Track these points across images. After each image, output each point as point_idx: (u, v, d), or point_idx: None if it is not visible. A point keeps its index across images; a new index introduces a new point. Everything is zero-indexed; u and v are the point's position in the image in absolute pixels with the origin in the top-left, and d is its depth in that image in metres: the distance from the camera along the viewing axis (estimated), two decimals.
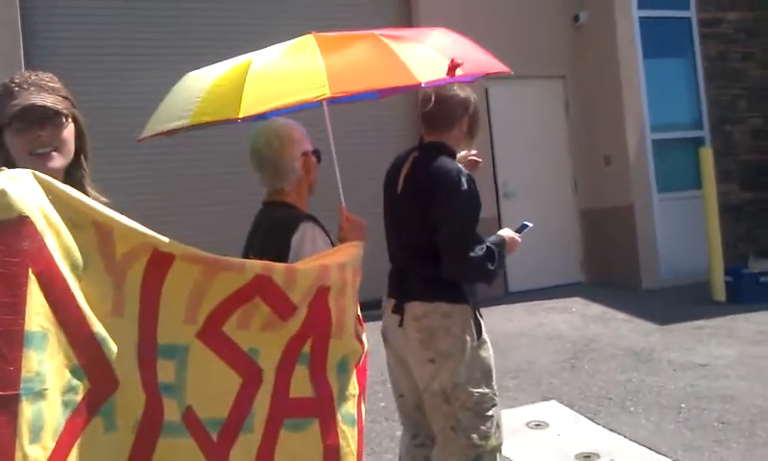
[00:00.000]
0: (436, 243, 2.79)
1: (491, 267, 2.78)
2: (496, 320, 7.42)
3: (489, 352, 2.92)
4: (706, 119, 9.47)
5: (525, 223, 3.14)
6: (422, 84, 2.57)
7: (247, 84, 2.42)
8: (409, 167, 2.97)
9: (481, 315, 2.92)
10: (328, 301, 2.13)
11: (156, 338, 1.75)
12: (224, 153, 7.38)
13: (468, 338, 2.83)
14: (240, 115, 2.34)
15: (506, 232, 3.01)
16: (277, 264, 2.03)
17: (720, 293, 8.01)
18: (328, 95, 2.39)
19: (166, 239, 1.77)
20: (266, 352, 1.99)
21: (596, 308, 7.89)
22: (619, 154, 8.96)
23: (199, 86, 2.65)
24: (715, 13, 9.56)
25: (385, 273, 3.13)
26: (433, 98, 2.91)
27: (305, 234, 2.46)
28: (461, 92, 2.97)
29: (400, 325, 2.88)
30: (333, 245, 2.51)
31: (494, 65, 2.91)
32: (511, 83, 8.96)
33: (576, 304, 8.12)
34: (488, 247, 2.80)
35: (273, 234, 2.51)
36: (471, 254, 2.73)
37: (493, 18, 8.79)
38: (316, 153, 2.70)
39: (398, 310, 2.91)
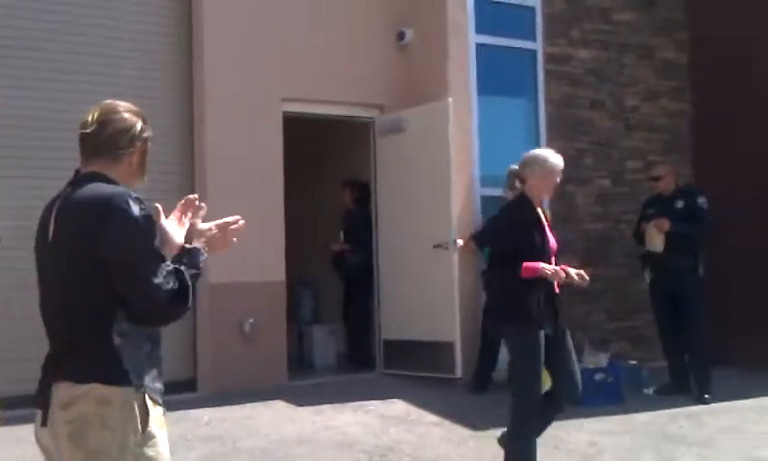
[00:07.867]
0: (103, 289, 2.43)
1: (188, 282, 2.48)
2: (274, 419, 6.61)
3: (157, 451, 2.48)
4: None
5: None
6: None
7: None
8: (61, 203, 2.56)
9: (158, 402, 2.49)
10: None
11: None
12: None
13: (131, 432, 2.43)
14: None
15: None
16: None
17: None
18: None
19: None
20: None
21: (399, 406, 7.03)
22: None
23: None
24: (564, 48, 9.05)
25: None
26: (95, 119, 2.60)
27: None
28: (128, 115, 2.65)
29: (43, 424, 2.45)
30: None
31: None
32: (310, 106, 8.29)
33: (374, 401, 7.17)
34: (173, 267, 2.49)
35: None
36: (156, 281, 2.40)
37: (290, 26, 7.97)
38: None
39: (41, 401, 2.46)
